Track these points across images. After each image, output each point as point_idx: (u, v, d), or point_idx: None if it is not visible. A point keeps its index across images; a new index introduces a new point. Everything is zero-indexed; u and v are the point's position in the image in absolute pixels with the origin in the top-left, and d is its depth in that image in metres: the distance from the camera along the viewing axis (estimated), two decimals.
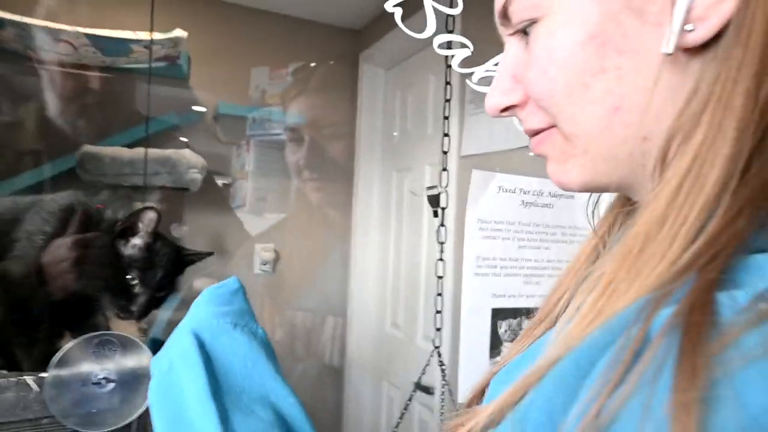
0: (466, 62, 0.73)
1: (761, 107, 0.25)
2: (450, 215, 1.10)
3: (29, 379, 0.51)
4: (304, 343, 1.80)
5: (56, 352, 0.52)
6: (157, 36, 1.41)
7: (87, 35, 1.35)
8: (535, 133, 0.36)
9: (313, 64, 1.80)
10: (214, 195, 1.73)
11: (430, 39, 0.64)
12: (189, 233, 1.62)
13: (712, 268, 0.23)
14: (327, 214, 1.96)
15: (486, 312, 0.78)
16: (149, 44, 1.40)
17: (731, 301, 0.22)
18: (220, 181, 1.72)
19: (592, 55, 0.30)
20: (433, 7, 0.57)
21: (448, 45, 0.76)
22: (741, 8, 0.26)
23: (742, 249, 0.24)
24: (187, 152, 1.47)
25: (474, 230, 0.76)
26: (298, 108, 1.80)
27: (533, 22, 0.33)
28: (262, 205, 1.86)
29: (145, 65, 1.52)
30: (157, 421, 0.39)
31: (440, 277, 1.05)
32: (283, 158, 1.81)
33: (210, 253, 0.78)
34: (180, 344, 0.41)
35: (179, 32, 1.43)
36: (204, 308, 0.44)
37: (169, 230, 1.50)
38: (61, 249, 0.58)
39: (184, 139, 1.67)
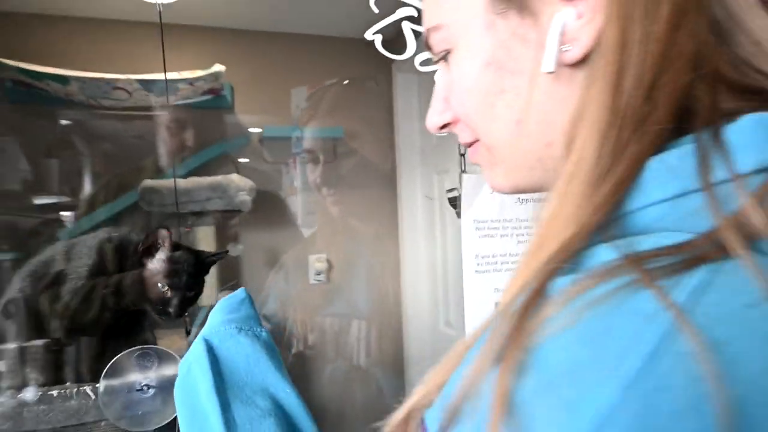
0: None
1: (621, 116, 0.29)
2: None
3: (88, 389, 0.62)
4: (365, 347, 1.86)
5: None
6: (198, 73, 1.53)
7: (138, 81, 1.49)
8: (468, 145, 0.40)
9: (345, 81, 1.87)
10: (266, 213, 1.84)
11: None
12: (245, 251, 1.74)
13: (559, 258, 0.27)
14: (375, 221, 2.03)
15: (490, 306, 0.81)
16: (191, 82, 1.53)
17: (559, 286, 0.26)
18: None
19: (492, 79, 0.35)
20: (411, 29, 0.62)
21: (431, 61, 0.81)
22: (602, 29, 0.30)
23: (589, 243, 0.28)
24: (235, 176, 1.58)
25: (470, 231, 0.79)
26: (336, 123, 1.88)
27: (448, 52, 0.37)
28: (312, 218, 1.95)
29: (192, 100, 1.66)
30: (180, 414, 0.47)
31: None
32: (328, 172, 1.90)
33: (226, 251, 0.87)
34: (195, 350, 0.49)
35: (218, 67, 1.55)
36: (216, 317, 0.52)
37: (226, 249, 1.62)
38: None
39: (244, 160, 1.80)
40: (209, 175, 1.64)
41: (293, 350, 1.66)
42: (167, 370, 0.63)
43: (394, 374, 1.94)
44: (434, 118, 0.41)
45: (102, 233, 0.73)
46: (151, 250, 0.73)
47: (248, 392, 0.45)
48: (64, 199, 1.91)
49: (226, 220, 1.69)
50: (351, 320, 1.86)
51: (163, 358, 0.64)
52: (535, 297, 0.25)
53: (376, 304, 1.93)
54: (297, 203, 1.92)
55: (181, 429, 0.45)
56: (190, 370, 0.47)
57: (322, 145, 1.78)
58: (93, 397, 0.61)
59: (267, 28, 1.90)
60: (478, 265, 0.79)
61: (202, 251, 0.83)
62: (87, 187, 1.98)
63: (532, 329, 0.24)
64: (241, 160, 1.81)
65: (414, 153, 1.97)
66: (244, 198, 1.56)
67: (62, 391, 0.62)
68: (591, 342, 0.23)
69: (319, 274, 1.89)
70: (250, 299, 0.54)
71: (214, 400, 0.43)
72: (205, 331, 0.50)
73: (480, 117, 0.37)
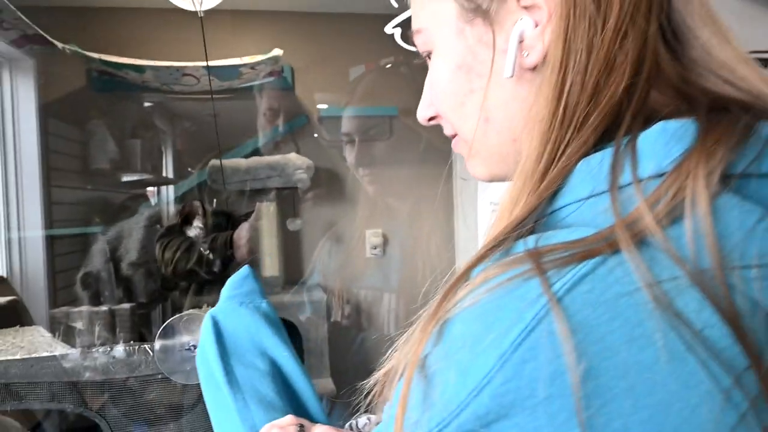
0: None
1: (562, 118, 0.32)
2: None
3: (147, 347, 0.73)
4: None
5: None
6: (259, 58, 1.62)
7: (204, 67, 1.61)
8: (452, 137, 0.44)
9: (387, 65, 1.90)
10: (325, 190, 1.93)
11: None
12: (305, 225, 1.84)
13: (488, 247, 0.31)
14: (429, 197, 2.06)
15: None
16: (253, 66, 1.62)
17: (475, 272, 0.30)
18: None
19: (462, 80, 0.38)
20: None
21: None
22: (553, 39, 0.33)
23: (518, 235, 0.31)
24: (293, 156, 1.67)
25: (487, 213, 0.81)
26: (390, 101, 1.92)
27: (429, 52, 0.41)
28: (368, 195, 2.02)
29: (255, 83, 1.76)
30: (200, 378, 0.56)
31: None
32: (384, 149, 1.94)
33: (251, 212, 0.94)
34: (205, 325, 0.58)
35: (276, 51, 1.63)
36: (224, 293, 0.61)
37: (285, 224, 1.73)
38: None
39: (317, 135, 1.89)
40: (271, 153, 1.74)
41: (336, 318, 1.75)
42: None
43: None
44: (422, 111, 0.45)
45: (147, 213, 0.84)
46: (188, 220, 0.83)
47: (249, 357, 0.53)
48: (146, 176, 2.10)
49: (286, 196, 1.79)
50: (399, 292, 1.93)
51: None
52: (458, 280, 0.30)
53: (429, 279, 1.97)
54: (354, 180, 1.99)
55: (202, 390, 0.54)
56: (203, 343, 0.56)
57: (360, 123, 1.82)
58: (151, 354, 0.72)
59: (324, 9, 1.95)
60: None
61: (232, 213, 0.92)
62: (166, 164, 2.17)
63: (448, 307, 0.29)
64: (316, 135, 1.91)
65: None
66: (302, 176, 1.65)
67: (126, 347, 0.73)
68: (484, 319, 0.27)
69: (375, 248, 1.96)
70: (254, 275, 0.62)
71: (220, 366, 0.52)
72: (214, 308, 0.59)
73: (454, 115, 0.40)
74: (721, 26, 0.35)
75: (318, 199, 1.89)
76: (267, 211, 1.54)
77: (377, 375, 0.40)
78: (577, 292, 0.26)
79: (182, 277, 1.47)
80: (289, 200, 1.79)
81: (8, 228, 1.76)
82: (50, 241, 1.81)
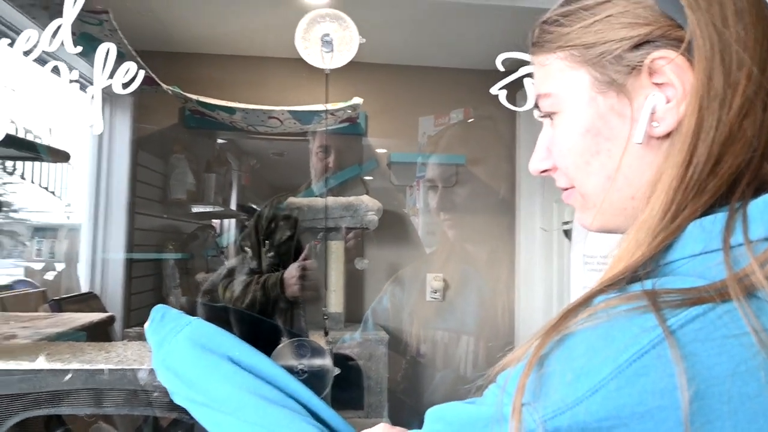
0: None
1: (687, 184, 0.37)
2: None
3: None
4: (472, 362, 1.92)
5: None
6: (340, 105, 1.73)
7: (289, 111, 1.72)
8: (564, 189, 0.50)
9: (470, 120, 1.97)
10: (390, 231, 1.99)
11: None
12: (370, 266, 1.89)
13: (607, 283, 0.37)
14: (491, 245, 2.09)
15: None
16: (332, 112, 1.72)
17: (596, 301, 0.36)
18: None
19: (589, 142, 0.44)
20: (531, 83, 0.71)
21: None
22: (684, 114, 0.38)
23: (633, 277, 0.37)
24: (365, 198, 1.75)
25: (579, 264, 0.84)
26: (459, 149, 1.99)
27: (554, 113, 0.47)
28: (432, 238, 2.06)
29: (332, 128, 1.87)
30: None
31: None
32: (449, 196, 2.00)
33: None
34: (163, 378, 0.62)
35: (357, 100, 1.73)
36: (152, 342, 0.64)
37: (354, 264, 1.79)
38: None
39: (368, 178, 1.98)
40: (342, 194, 1.83)
41: (407, 356, 1.77)
42: (316, 360, 0.77)
43: None
44: (536, 164, 0.50)
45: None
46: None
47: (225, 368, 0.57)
48: (218, 208, 2.22)
49: (355, 236, 1.85)
50: (460, 335, 1.94)
51: (315, 349, 0.79)
52: (580, 304, 0.36)
53: (487, 324, 1.99)
54: (418, 224, 2.05)
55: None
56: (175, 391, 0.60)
57: (443, 171, 1.90)
58: None
59: (398, 62, 2.07)
60: None
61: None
62: (235, 198, 2.29)
63: (570, 323, 0.35)
64: (367, 177, 1.99)
65: (535, 182, 2.01)
66: (372, 218, 1.72)
67: None
68: (603, 337, 0.33)
69: (435, 292, 1.99)
70: (165, 311, 0.65)
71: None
72: (157, 359, 0.62)
73: (576, 171, 0.46)
74: None
75: (382, 241, 1.95)
76: (314, 251, 1.60)
77: (502, 361, 0.45)
78: (689, 329, 0.32)
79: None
80: (357, 240, 1.86)
81: (94, 249, 1.89)
82: (129, 264, 1.92)
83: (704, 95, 0.38)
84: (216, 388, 0.56)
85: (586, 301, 0.36)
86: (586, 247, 0.86)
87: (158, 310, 0.66)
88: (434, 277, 2.03)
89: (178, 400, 0.60)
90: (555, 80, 0.46)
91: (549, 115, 0.48)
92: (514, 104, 0.81)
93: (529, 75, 0.74)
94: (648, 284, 0.35)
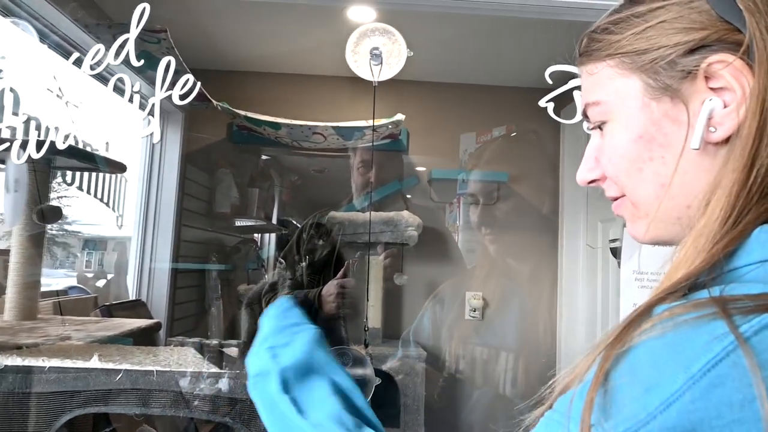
0: None
1: (748, 190, 0.36)
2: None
3: None
4: (511, 380, 1.89)
5: None
6: (383, 121, 1.75)
7: (333, 127, 1.75)
8: (614, 199, 0.49)
9: (513, 134, 1.96)
10: (430, 248, 1.98)
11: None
12: (409, 282, 1.89)
13: (668, 291, 0.36)
14: (533, 262, 2.05)
15: None
16: (376, 128, 1.75)
17: (658, 310, 0.34)
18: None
19: (642, 149, 0.43)
20: (580, 95, 0.71)
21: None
22: (744, 118, 0.37)
23: (696, 285, 0.36)
24: (405, 213, 1.75)
25: (630, 281, 0.82)
26: (501, 165, 1.97)
27: (604, 122, 0.46)
28: (472, 256, 2.05)
29: (374, 143, 1.89)
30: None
31: None
32: (490, 211, 1.99)
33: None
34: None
35: (399, 116, 1.75)
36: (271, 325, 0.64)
37: (393, 279, 1.79)
38: None
39: (408, 196, 1.98)
40: (382, 210, 1.84)
41: (445, 374, 1.75)
42: (358, 369, 0.78)
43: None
44: (584, 174, 0.49)
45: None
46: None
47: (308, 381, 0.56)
48: (260, 222, 2.27)
49: (390, 253, 1.86)
50: (500, 352, 1.90)
51: (357, 357, 0.79)
52: (641, 315, 0.35)
53: (528, 341, 1.94)
54: (458, 241, 2.04)
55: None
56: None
57: (485, 188, 1.89)
58: None
59: (440, 79, 2.08)
60: None
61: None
62: (276, 213, 2.33)
63: (633, 335, 0.33)
64: (407, 195, 2.00)
65: (579, 200, 1.98)
66: (412, 233, 1.72)
67: None
68: (671, 347, 0.32)
69: (474, 310, 1.97)
70: (294, 302, 0.66)
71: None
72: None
73: (628, 179, 0.45)
74: None
75: (422, 257, 1.94)
76: (352, 269, 1.61)
77: (560, 376, 0.43)
78: (763, 335, 0.30)
79: None
80: (396, 255, 1.86)
81: (142, 258, 1.95)
82: (174, 274, 1.98)
83: (766, 98, 0.37)
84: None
85: (647, 311, 0.35)
86: (637, 263, 0.83)
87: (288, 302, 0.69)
88: (473, 295, 2.01)
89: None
90: (605, 88, 0.46)
91: (599, 125, 0.47)
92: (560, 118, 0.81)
93: (578, 87, 0.74)
94: (716, 291, 0.34)
